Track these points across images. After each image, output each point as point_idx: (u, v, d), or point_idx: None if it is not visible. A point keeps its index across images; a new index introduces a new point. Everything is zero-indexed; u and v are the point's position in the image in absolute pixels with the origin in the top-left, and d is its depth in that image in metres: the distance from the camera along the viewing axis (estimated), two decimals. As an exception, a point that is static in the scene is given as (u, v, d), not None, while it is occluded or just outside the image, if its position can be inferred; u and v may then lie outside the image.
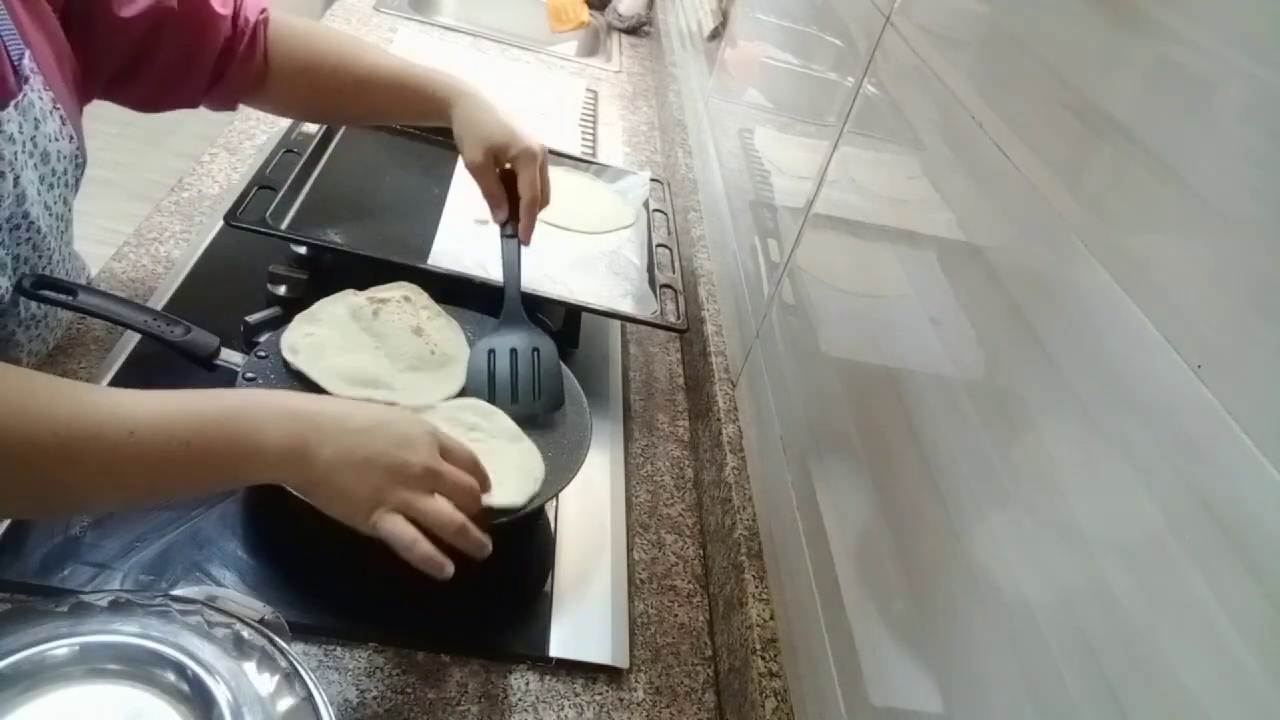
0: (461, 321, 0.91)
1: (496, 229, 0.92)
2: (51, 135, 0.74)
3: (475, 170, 0.91)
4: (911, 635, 0.54)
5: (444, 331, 0.88)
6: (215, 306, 0.91)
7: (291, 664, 0.53)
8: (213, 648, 0.51)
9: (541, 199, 0.92)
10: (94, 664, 0.48)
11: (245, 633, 0.53)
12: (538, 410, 0.84)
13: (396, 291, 0.89)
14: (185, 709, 0.48)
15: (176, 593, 0.57)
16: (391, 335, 0.84)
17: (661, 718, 0.72)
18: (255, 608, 0.58)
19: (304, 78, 0.92)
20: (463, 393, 0.84)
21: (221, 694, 0.48)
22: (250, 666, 0.51)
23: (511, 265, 0.91)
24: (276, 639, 0.54)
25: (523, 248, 0.92)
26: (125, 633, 0.50)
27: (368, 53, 0.94)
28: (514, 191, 0.91)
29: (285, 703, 0.50)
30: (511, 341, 0.87)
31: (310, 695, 0.51)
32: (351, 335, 0.84)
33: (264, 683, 0.51)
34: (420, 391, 0.82)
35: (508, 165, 0.90)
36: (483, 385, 0.84)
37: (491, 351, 0.86)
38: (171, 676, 0.49)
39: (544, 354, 0.87)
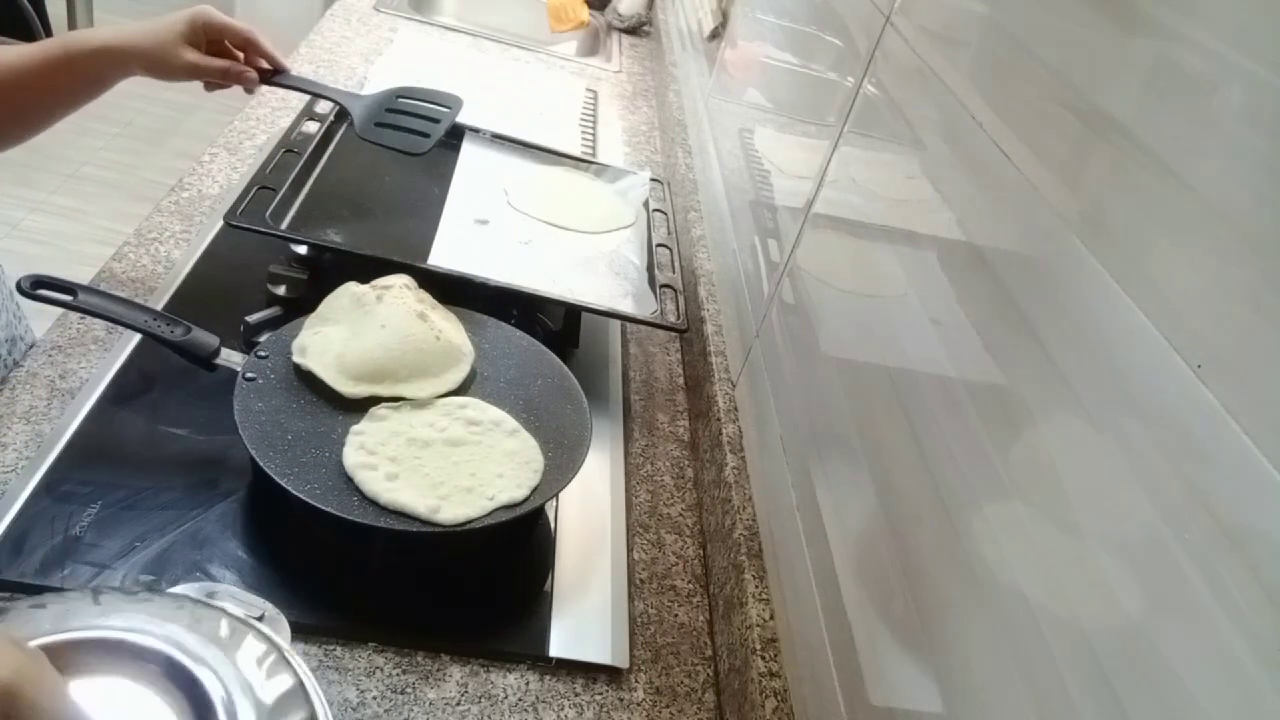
0: (461, 320, 0.91)
1: (496, 229, 0.92)
2: None
3: (192, 68, 0.89)
4: (911, 635, 0.54)
5: (445, 321, 0.89)
6: (215, 306, 0.91)
7: (286, 659, 0.53)
8: (210, 644, 0.51)
9: None
10: (91, 660, 0.48)
11: (242, 629, 0.53)
12: (454, 112, 0.98)
13: (397, 280, 0.90)
14: (181, 705, 0.48)
15: (175, 589, 0.57)
16: (397, 317, 0.84)
17: (661, 718, 0.72)
18: (255, 603, 0.58)
19: None
20: (462, 387, 0.84)
21: (217, 691, 0.48)
22: (247, 663, 0.51)
23: (312, 82, 1.02)
24: (274, 635, 0.54)
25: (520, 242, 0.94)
26: (122, 629, 0.49)
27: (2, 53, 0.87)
28: (227, 54, 0.94)
29: (280, 697, 0.50)
30: (378, 106, 0.99)
31: (305, 689, 0.51)
32: (356, 321, 0.84)
33: (258, 678, 0.51)
34: (426, 385, 0.82)
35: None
36: (405, 143, 0.96)
37: (379, 126, 0.96)
38: (168, 672, 0.48)
39: (405, 89, 1.01)
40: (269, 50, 0.96)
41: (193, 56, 0.89)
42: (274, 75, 0.97)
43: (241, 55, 0.95)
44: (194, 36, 0.89)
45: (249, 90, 0.97)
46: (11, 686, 0.39)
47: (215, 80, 0.93)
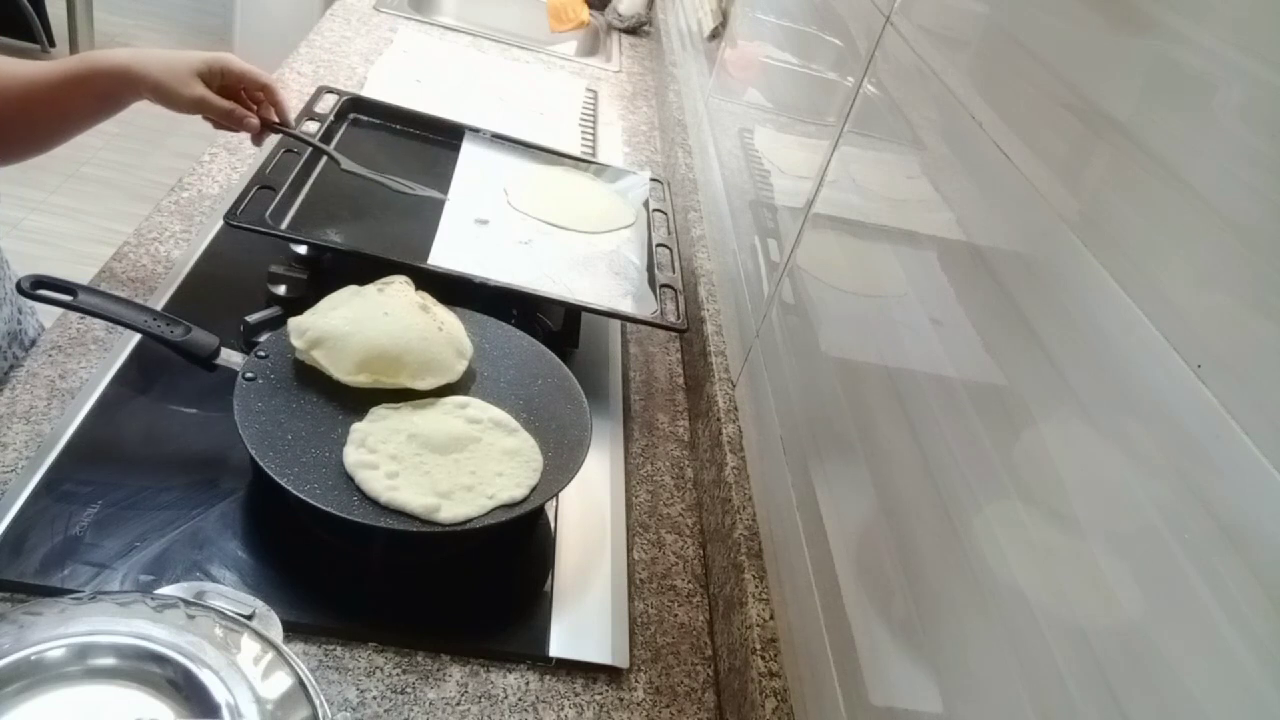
0: (461, 319, 0.91)
1: (496, 229, 0.92)
2: None
3: (198, 102, 0.91)
4: (911, 635, 0.54)
5: (448, 315, 0.89)
6: (215, 306, 0.91)
7: (283, 658, 0.53)
8: (209, 646, 0.51)
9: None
10: (88, 663, 0.48)
11: (236, 629, 0.53)
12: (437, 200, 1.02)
13: (396, 279, 0.90)
14: (178, 705, 0.48)
15: (166, 590, 0.57)
16: (400, 308, 0.84)
17: (661, 718, 0.72)
18: (245, 601, 0.58)
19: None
20: (462, 387, 0.84)
21: (221, 694, 0.48)
22: (246, 664, 0.51)
23: (312, 138, 1.05)
24: (267, 634, 0.54)
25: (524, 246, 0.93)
26: (118, 631, 0.49)
27: (21, 66, 0.88)
28: (239, 100, 0.95)
29: (281, 697, 0.50)
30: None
31: (305, 688, 0.51)
32: (358, 308, 0.84)
33: (258, 678, 0.51)
34: (429, 377, 0.82)
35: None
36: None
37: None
38: (165, 673, 0.49)
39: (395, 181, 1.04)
40: (281, 102, 1.00)
41: (200, 91, 0.91)
42: (279, 126, 1.00)
43: (256, 104, 0.98)
44: (209, 76, 0.92)
45: (254, 140, 0.98)
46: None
47: (219, 120, 0.95)
